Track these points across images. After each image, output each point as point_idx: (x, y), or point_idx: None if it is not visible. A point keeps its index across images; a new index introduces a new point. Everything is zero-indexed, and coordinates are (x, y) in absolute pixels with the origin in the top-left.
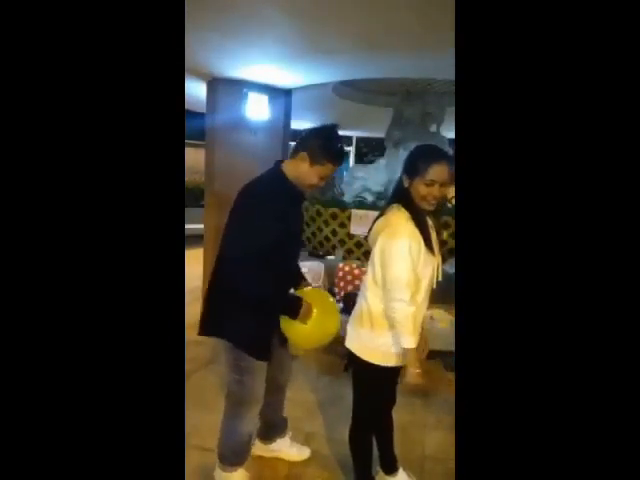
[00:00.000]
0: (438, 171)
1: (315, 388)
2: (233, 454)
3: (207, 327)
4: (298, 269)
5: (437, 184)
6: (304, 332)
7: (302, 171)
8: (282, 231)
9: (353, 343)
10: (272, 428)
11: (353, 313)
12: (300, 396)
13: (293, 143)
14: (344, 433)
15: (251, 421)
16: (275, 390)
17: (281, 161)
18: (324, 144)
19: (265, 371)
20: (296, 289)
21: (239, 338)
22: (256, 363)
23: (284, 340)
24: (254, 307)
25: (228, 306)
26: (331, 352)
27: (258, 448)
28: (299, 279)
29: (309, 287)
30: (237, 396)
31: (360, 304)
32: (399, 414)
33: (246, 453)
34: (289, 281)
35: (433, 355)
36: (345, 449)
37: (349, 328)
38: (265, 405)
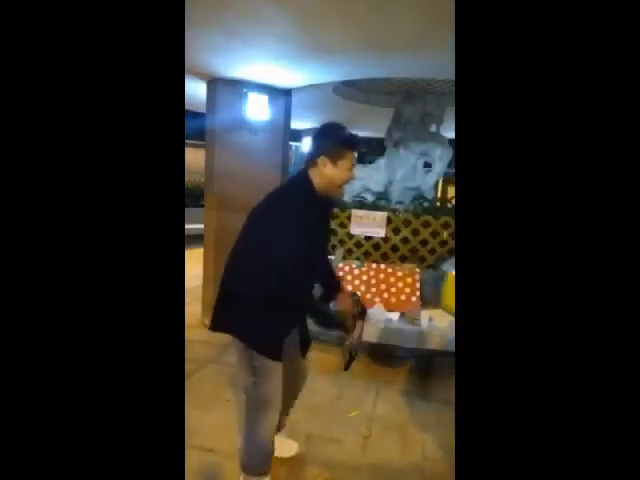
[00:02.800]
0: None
1: (315, 388)
2: (257, 463)
3: (219, 324)
4: (331, 271)
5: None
6: None
7: (329, 174)
8: (314, 240)
9: None
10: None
11: None
12: (300, 396)
13: (293, 143)
14: (344, 433)
15: (272, 425)
16: (289, 394)
17: (305, 170)
18: (335, 138)
19: (281, 372)
20: (332, 295)
21: (251, 337)
22: (271, 363)
23: (305, 344)
24: (271, 307)
25: (242, 305)
26: (331, 352)
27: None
28: (332, 281)
29: None
30: (254, 400)
31: None
32: (399, 414)
33: (270, 460)
34: (322, 285)
35: (433, 355)
36: (345, 449)
37: None
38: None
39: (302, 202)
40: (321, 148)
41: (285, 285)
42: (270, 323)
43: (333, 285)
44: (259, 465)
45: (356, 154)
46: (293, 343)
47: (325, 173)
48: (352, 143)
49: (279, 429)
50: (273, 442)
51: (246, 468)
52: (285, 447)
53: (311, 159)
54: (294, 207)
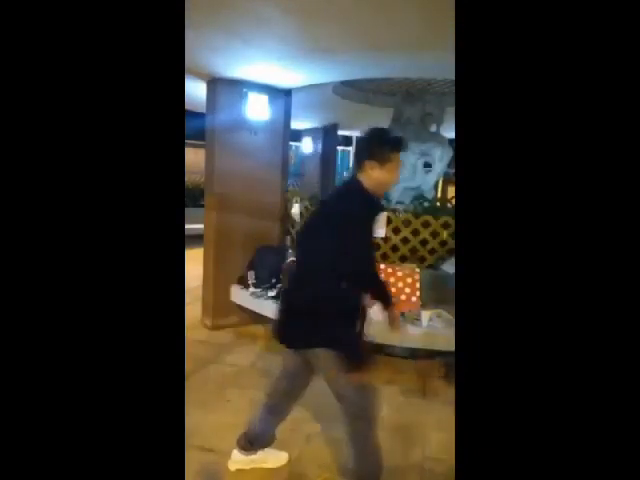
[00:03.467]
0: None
1: (315, 388)
2: (369, 473)
3: (300, 340)
4: (377, 277)
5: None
6: None
7: (378, 177)
8: (371, 243)
9: None
10: (262, 438)
11: None
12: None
13: (293, 143)
14: (343, 432)
15: (377, 436)
16: (290, 399)
17: (355, 175)
18: (382, 142)
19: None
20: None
21: (341, 345)
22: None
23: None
24: (349, 315)
25: (325, 317)
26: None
27: (236, 461)
28: (382, 288)
29: None
30: (361, 405)
31: None
32: (399, 414)
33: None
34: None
35: (433, 355)
36: (344, 448)
37: None
38: (269, 412)
39: (359, 205)
40: (369, 153)
41: (360, 289)
42: (353, 329)
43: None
44: (370, 475)
45: (399, 155)
46: (306, 352)
47: (373, 176)
48: (398, 146)
49: (270, 443)
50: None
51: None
52: (277, 459)
53: (359, 164)
54: (354, 211)
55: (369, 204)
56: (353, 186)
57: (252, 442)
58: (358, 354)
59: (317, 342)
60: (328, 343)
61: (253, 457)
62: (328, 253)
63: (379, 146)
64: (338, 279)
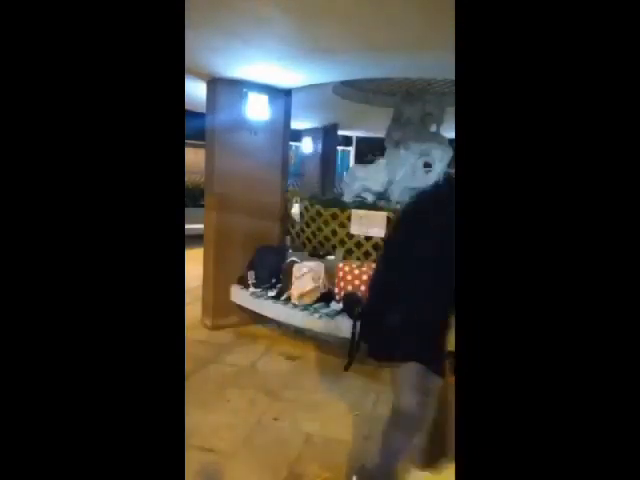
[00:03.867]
0: None
1: (315, 388)
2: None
3: (387, 353)
4: None
5: None
6: None
7: None
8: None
9: None
10: (431, 454)
11: None
12: (300, 396)
13: (293, 143)
14: (344, 433)
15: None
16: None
17: (448, 174)
18: None
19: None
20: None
21: (429, 358)
22: (438, 384)
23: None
24: (436, 324)
25: (411, 328)
26: (331, 352)
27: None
28: None
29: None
30: (416, 420)
31: None
32: None
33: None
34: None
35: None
36: (344, 449)
37: None
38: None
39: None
40: None
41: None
42: (438, 341)
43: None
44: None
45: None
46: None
47: None
48: None
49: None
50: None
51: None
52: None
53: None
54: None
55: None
56: (448, 183)
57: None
58: (440, 367)
59: (402, 356)
60: (416, 356)
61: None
62: (428, 268)
63: None
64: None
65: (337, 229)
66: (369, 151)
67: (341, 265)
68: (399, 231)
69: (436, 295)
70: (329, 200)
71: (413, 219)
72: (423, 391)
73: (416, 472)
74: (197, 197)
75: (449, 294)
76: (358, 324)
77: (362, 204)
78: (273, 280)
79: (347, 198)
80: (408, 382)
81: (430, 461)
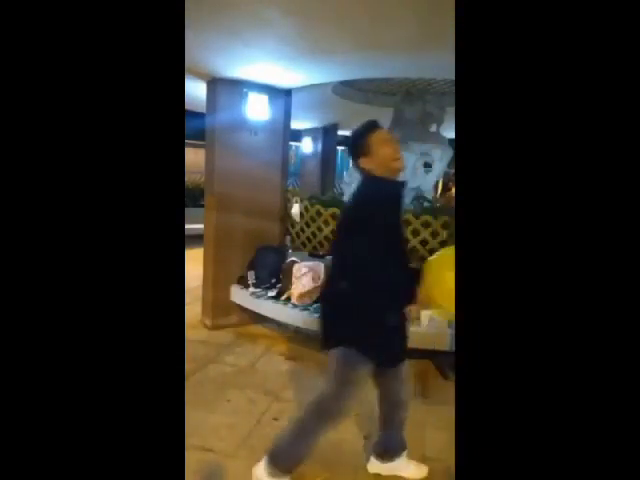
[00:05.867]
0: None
1: (315, 388)
2: (291, 462)
3: (331, 339)
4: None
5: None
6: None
7: (376, 159)
8: (393, 230)
9: None
10: (388, 447)
11: None
12: (300, 396)
13: (293, 143)
14: (343, 432)
15: (323, 436)
16: (393, 406)
17: (363, 174)
18: (354, 137)
19: (364, 387)
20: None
21: (365, 344)
22: (364, 375)
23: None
24: (371, 313)
25: (351, 314)
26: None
27: (376, 466)
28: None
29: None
30: (329, 409)
31: None
32: None
33: (299, 465)
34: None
35: (433, 355)
36: (345, 449)
37: None
38: (383, 422)
39: (373, 188)
40: (354, 154)
41: (375, 275)
42: (374, 329)
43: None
44: (290, 465)
45: (379, 131)
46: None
47: (372, 167)
48: (366, 129)
49: (401, 453)
50: (311, 451)
51: (276, 462)
52: (416, 471)
53: (354, 159)
54: (370, 195)
55: (383, 188)
56: (365, 176)
57: (384, 452)
58: (384, 355)
59: (343, 341)
60: (351, 342)
61: (390, 465)
62: (347, 250)
63: (354, 143)
64: (360, 279)
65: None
66: None
67: None
68: (340, 229)
69: (374, 283)
70: (329, 200)
71: (345, 217)
72: (344, 381)
73: (374, 461)
74: (197, 197)
75: (389, 283)
76: None
77: None
78: (273, 280)
79: (347, 198)
80: (331, 369)
81: (385, 452)
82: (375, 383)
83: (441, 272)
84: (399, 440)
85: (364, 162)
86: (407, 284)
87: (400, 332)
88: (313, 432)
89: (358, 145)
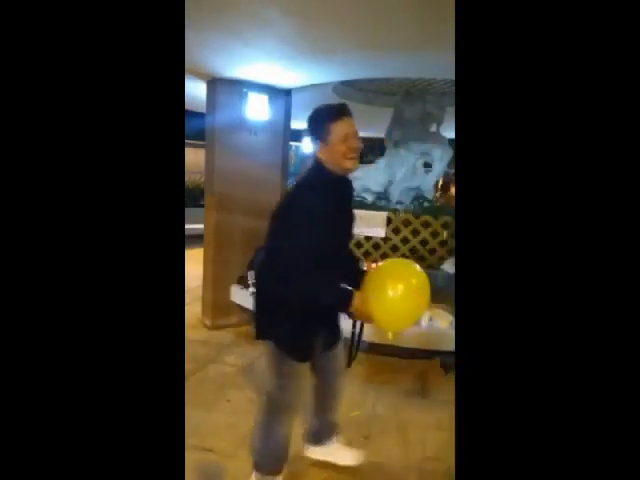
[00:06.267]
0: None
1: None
2: (271, 463)
3: (259, 331)
4: (353, 263)
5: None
6: (392, 309)
7: (331, 150)
8: (328, 225)
9: None
10: (319, 432)
11: None
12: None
13: (293, 143)
14: (343, 433)
15: (288, 427)
16: (326, 394)
17: (315, 160)
18: (313, 120)
19: (307, 375)
20: (356, 286)
21: (281, 339)
22: (298, 367)
23: (332, 342)
24: (297, 307)
25: (273, 308)
26: None
27: (312, 452)
28: (357, 275)
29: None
30: (278, 402)
31: None
32: (399, 414)
33: (284, 460)
34: (341, 277)
35: (433, 355)
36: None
37: None
38: (316, 409)
39: (314, 179)
40: (315, 130)
41: (302, 284)
42: (297, 324)
43: (355, 283)
44: (272, 465)
45: (347, 119)
46: (320, 341)
47: (327, 151)
48: (339, 110)
49: (331, 437)
50: (288, 444)
51: (259, 467)
52: (350, 456)
53: (314, 143)
54: (307, 184)
55: (326, 181)
56: (314, 165)
57: (315, 436)
58: (294, 350)
59: (267, 334)
60: (272, 335)
61: (323, 449)
62: (275, 244)
63: (314, 126)
64: (285, 273)
65: None
66: (369, 151)
67: None
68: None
69: (282, 279)
70: None
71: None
72: (280, 374)
73: (308, 446)
74: (197, 197)
75: (294, 279)
76: (358, 324)
77: (362, 204)
78: None
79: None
80: (268, 363)
81: (316, 436)
82: (311, 370)
83: (381, 284)
84: (330, 424)
85: (320, 148)
86: (340, 280)
87: (320, 323)
88: (273, 428)
89: (318, 128)
